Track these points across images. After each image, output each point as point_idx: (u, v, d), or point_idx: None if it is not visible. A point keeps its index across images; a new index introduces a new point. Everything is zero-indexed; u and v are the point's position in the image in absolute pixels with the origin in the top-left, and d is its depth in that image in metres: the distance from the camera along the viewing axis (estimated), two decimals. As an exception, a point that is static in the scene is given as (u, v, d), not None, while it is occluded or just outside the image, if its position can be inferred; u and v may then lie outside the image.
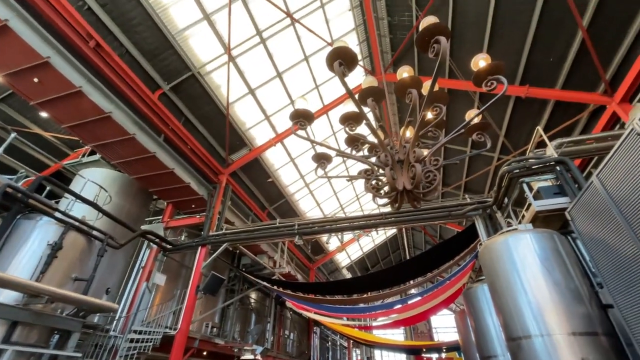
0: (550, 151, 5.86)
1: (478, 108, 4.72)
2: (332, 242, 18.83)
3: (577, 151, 6.25)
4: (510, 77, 8.74)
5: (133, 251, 9.94)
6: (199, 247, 9.37)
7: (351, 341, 23.19)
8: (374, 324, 13.09)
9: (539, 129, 6.15)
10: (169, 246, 9.49)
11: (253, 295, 14.35)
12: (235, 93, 10.19)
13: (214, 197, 10.49)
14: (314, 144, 2.60)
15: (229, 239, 9.31)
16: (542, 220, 5.27)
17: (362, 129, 3.02)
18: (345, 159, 13.94)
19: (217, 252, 9.30)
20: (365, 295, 10.14)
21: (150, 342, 7.12)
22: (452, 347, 17.55)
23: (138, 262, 9.53)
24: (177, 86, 9.13)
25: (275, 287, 10.92)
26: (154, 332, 7.35)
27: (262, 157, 12.42)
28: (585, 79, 7.74)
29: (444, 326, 24.75)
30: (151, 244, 9.28)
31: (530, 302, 4.53)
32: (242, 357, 10.20)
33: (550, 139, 6.38)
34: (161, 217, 10.79)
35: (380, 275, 9.68)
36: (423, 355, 18.30)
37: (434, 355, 18.69)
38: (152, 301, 8.86)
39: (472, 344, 9.46)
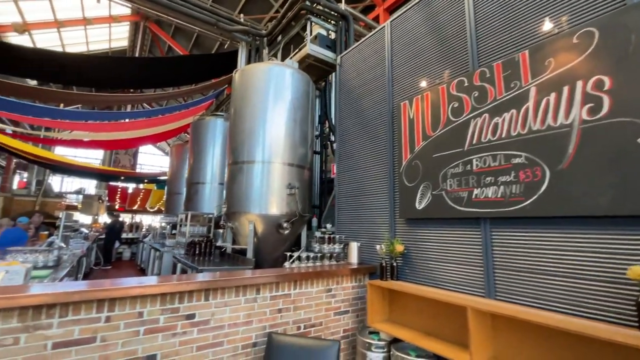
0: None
1: None
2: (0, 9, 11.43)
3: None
4: None
5: None
6: None
7: (14, 160, 17.38)
8: (62, 137, 9.86)
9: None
10: None
11: None
12: None
13: None
14: None
15: None
16: (307, 66, 5.15)
17: None
18: None
19: None
20: (52, 89, 6.90)
21: None
22: (153, 180, 17.59)
23: None
24: None
25: None
26: None
27: None
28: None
29: (149, 163, 24.14)
30: None
31: (266, 133, 4.43)
32: None
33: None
34: None
35: (91, 64, 6.71)
36: (119, 183, 17.13)
37: (131, 185, 18.06)
38: None
39: (181, 175, 9.43)
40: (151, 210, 18.59)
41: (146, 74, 7.34)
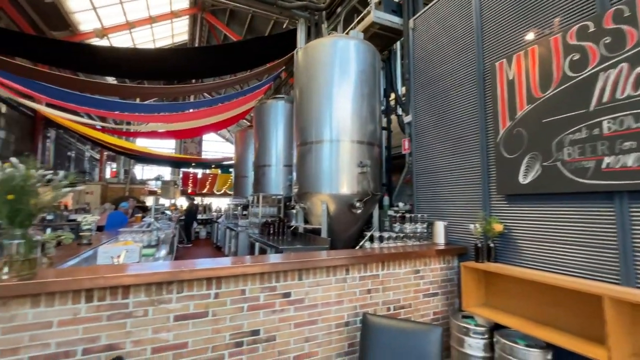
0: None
1: None
2: (84, 18, 12.77)
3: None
4: None
5: None
6: None
7: (105, 153, 19.99)
8: (140, 129, 10.99)
9: None
10: None
11: None
12: None
13: None
14: None
15: None
16: (370, 36, 4.84)
17: None
18: None
19: None
20: (128, 85, 7.61)
21: None
22: (218, 165, 18.87)
23: None
24: None
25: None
26: None
27: None
28: None
29: (213, 150, 25.95)
30: None
31: (333, 111, 4.30)
32: None
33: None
34: None
35: (156, 57, 7.17)
36: (190, 169, 18.72)
37: (200, 171, 19.63)
38: None
39: (245, 159, 9.88)
40: (218, 193, 20.08)
41: (203, 63, 7.62)
